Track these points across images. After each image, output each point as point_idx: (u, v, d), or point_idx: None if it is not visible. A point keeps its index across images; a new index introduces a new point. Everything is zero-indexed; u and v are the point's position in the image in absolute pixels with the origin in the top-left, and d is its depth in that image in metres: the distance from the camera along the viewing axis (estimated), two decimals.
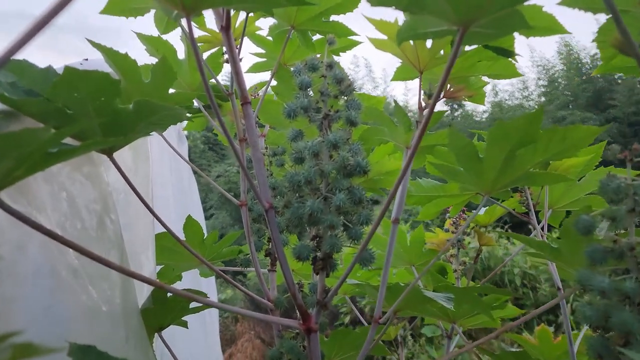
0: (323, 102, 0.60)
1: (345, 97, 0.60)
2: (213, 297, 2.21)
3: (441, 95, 0.68)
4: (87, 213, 0.63)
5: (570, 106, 12.70)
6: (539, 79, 14.60)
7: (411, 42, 0.64)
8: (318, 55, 0.60)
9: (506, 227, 5.87)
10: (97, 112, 0.55)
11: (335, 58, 1.05)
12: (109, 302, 0.59)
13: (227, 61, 0.82)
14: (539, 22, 0.61)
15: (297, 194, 0.59)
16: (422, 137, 0.48)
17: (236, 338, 5.49)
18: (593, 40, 0.54)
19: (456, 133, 0.56)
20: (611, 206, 0.46)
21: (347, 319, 4.72)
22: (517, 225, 5.82)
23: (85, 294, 0.56)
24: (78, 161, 0.69)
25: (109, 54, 0.77)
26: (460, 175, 0.60)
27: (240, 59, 0.83)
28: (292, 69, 0.62)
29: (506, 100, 15.21)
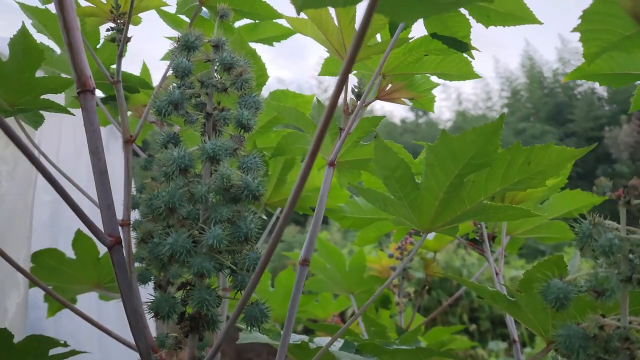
0: (207, 96, 0.43)
1: (238, 91, 0.43)
2: None
3: (373, 96, 0.52)
4: None
5: (531, 118, 12.94)
6: (502, 90, 14.85)
7: (335, 22, 0.48)
8: (197, 31, 0.43)
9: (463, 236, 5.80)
10: None
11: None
12: None
13: (113, 40, 0.64)
14: (505, 7, 0.46)
15: (165, 222, 0.42)
16: (340, 148, 0.33)
17: None
18: (574, 30, 0.40)
19: (384, 147, 0.40)
20: (596, 269, 0.31)
21: None
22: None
23: None
24: None
25: None
26: (391, 205, 0.44)
27: (129, 39, 0.65)
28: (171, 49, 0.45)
29: (470, 109, 15.41)
